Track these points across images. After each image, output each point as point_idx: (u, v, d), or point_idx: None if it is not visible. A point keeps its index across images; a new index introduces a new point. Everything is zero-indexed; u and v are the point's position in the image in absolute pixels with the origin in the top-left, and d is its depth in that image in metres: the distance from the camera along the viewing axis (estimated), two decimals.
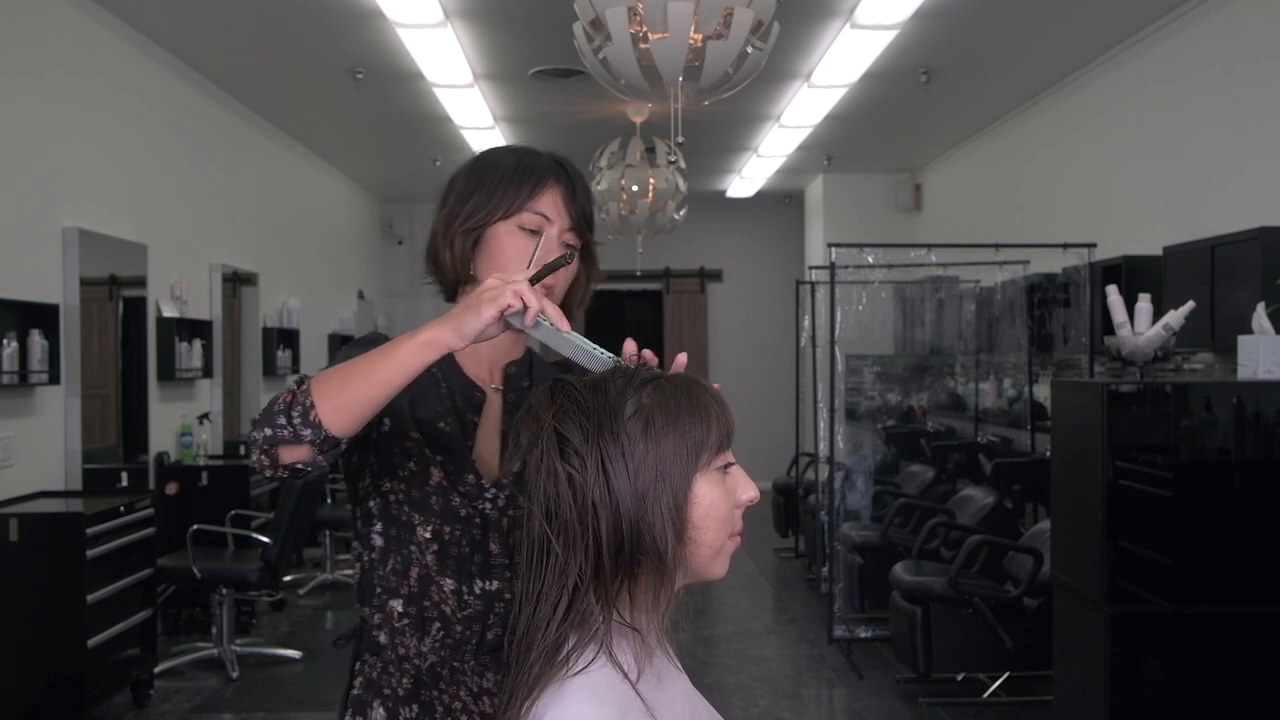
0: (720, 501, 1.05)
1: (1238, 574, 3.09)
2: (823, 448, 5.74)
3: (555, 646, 1.01)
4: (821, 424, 5.78)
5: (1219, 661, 3.10)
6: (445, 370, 1.42)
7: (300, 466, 1.21)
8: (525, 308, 1.15)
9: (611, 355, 1.14)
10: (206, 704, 4.47)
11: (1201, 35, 4.72)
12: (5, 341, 4.04)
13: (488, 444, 1.42)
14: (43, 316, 4.28)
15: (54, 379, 4.31)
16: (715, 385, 1.11)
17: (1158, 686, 3.14)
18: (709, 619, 5.92)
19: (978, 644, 4.40)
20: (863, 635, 5.28)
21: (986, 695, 4.46)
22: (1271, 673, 3.08)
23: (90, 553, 3.86)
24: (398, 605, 1.36)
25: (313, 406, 1.17)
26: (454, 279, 1.43)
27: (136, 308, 5.22)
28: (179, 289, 5.68)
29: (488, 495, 1.38)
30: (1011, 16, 5.00)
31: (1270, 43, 4.21)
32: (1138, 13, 4.92)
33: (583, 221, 1.43)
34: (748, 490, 1.08)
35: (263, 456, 1.19)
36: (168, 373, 5.47)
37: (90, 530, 3.87)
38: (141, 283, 5.24)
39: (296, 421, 1.17)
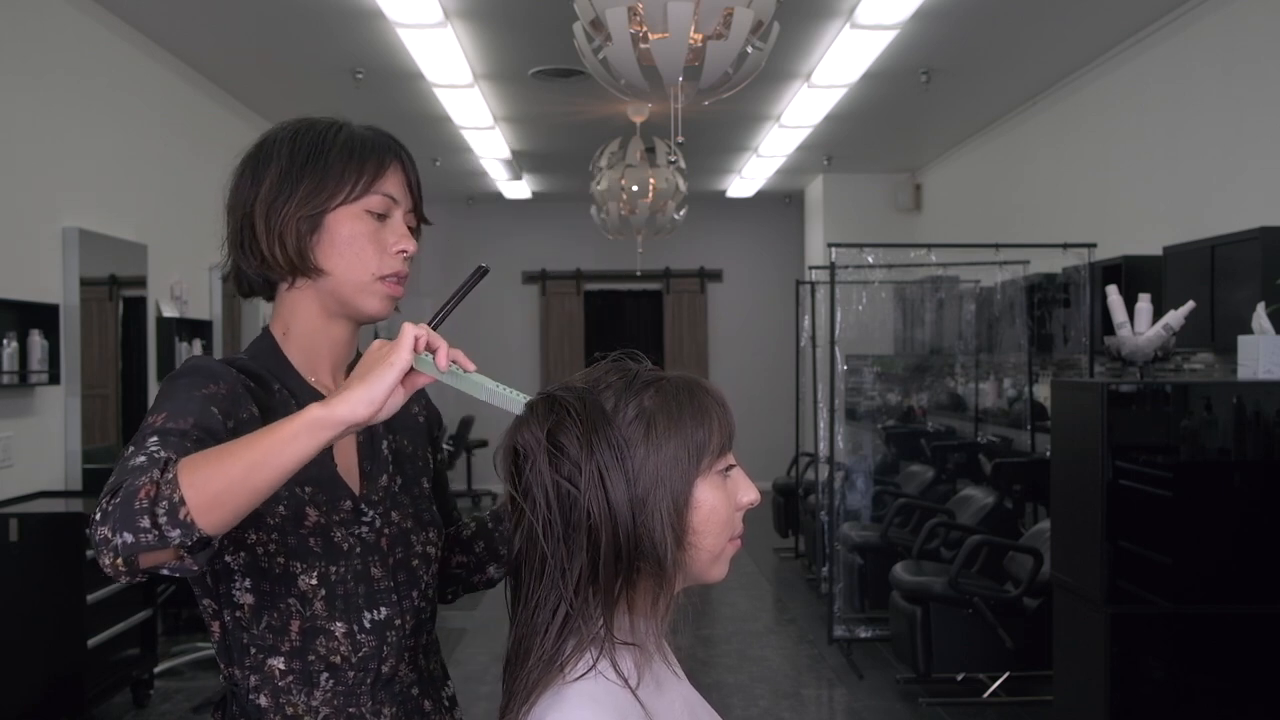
0: (721, 505, 1.05)
1: (1238, 574, 3.09)
2: (823, 448, 5.74)
3: (553, 652, 1.00)
4: (821, 424, 5.78)
5: (1219, 661, 3.10)
6: (291, 386, 1.27)
7: (164, 572, 1.01)
8: (432, 352, 1.06)
9: (523, 395, 1.08)
10: (206, 704, 4.46)
11: (1201, 35, 4.72)
12: (5, 341, 4.04)
13: (345, 458, 1.28)
14: (43, 316, 4.28)
15: (54, 379, 4.31)
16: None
17: (1158, 686, 3.14)
18: (709, 619, 5.92)
19: (978, 644, 4.40)
20: (863, 635, 5.28)
21: (986, 695, 4.46)
22: (1271, 673, 3.08)
23: (90, 553, 3.85)
24: (278, 663, 1.21)
25: (182, 502, 0.96)
26: (287, 271, 1.26)
27: (136, 308, 5.22)
28: (179, 289, 5.68)
29: (365, 519, 1.26)
30: (1011, 16, 5.00)
31: (1270, 43, 4.21)
32: (1138, 13, 4.92)
33: (419, 200, 1.33)
34: (748, 493, 1.07)
35: (119, 563, 0.98)
36: (168, 373, 5.46)
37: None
38: (141, 283, 5.24)
39: (162, 521, 0.96)
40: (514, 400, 1.07)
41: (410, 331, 1.04)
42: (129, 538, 0.96)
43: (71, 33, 4.64)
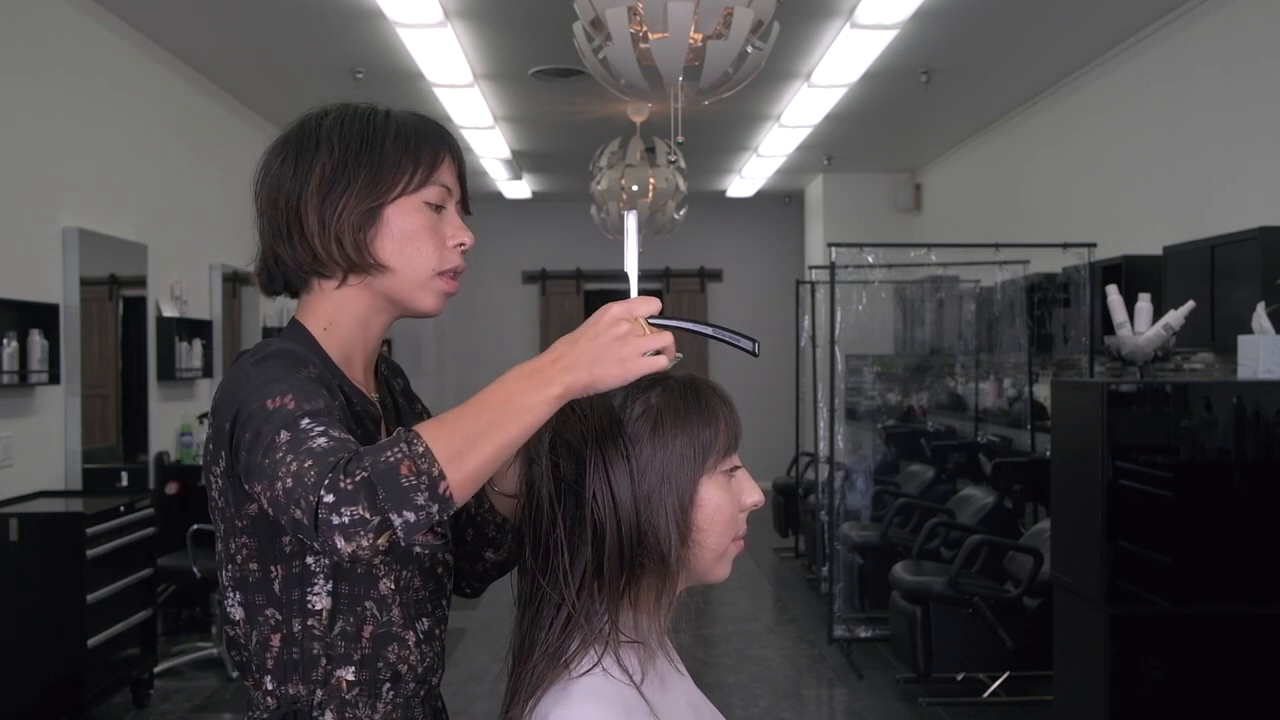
0: (725, 505, 1.05)
1: (1238, 574, 3.09)
2: (823, 448, 5.74)
3: (558, 648, 1.01)
4: (821, 424, 5.78)
5: (1219, 661, 3.10)
6: (343, 384, 1.20)
7: (417, 548, 1.02)
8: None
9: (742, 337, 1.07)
10: (206, 704, 4.46)
11: (1201, 35, 4.72)
12: (5, 341, 4.04)
13: None
14: (43, 316, 4.28)
15: (54, 379, 4.31)
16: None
17: (1158, 686, 3.14)
18: (709, 619, 5.92)
19: (978, 644, 4.40)
20: (863, 635, 5.27)
21: (986, 695, 4.46)
22: (1271, 673, 3.08)
23: (90, 553, 3.85)
24: (347, 674, 1.14)
25: (442, 476, 0.94)
26: (342, 268, 1.18)
27: (136, 308, 5.22)
28: (179, 289, 5.68)
29: None
30: (1011, 16, 5.00)
31: (1270, 43, 4.21)
32: (1138, 13, 4.92)
33: (467, 192, 1.27)
34: (753, 494, 1.08)
35: (380, 543, 0.94)
36: (168, 373, 5.47)
37: (90, 530, 3.87)
38: (141, 283, 5.24)
39: (425, 489, 0.94)
40: (747, 343, 1.06)
41: (666, 355, 1.01)
42: (410, 516, 0.93)
43: (71, 33, 4.64)
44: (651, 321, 1.01)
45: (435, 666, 1.23)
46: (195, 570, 4.65)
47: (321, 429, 1.00)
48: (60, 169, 4.55)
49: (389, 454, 0.93)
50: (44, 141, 4.42)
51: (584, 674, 0.99)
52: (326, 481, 0.93)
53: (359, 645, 1.15)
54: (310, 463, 0.95)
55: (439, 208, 1.21)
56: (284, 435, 0.99)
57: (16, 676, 3.75)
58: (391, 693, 1.17)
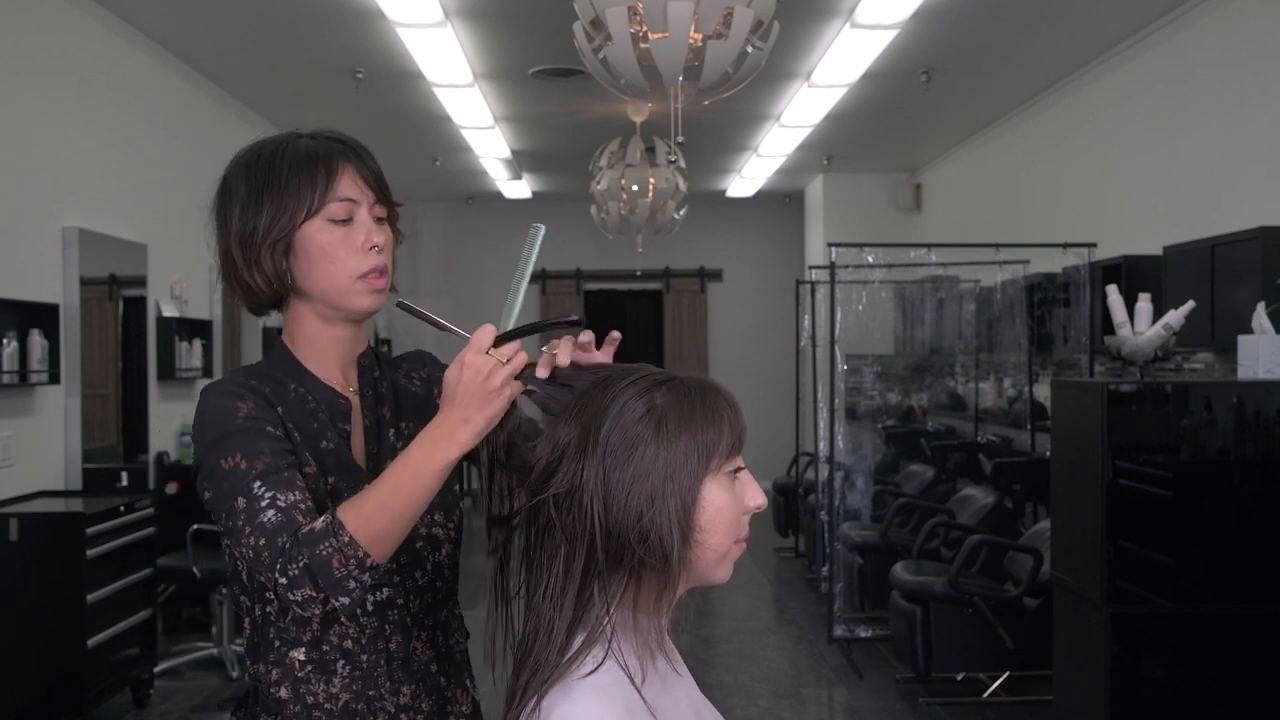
0: (728, 506, 1.05)
1: (1238, 574, 3.09)
2: (823, 447, 5.74)
3: (562, 645, 1.01)
4: (821, 424, 5.77)
5: (1219, 661, 3.10)
6: (306, 384, 1.34)
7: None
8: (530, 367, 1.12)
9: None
10: (206, 704, 4.46)
11: (1201, 35, 4.72)
12: (5, 341, 4.04)
13: (358, 448, 1.35)
14: (43, 316, 4.28)
15: (54, 379, 4.31)
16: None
17: (1158, 686, 3.14)
18: (709, 619, 5.92)
19: (978, 644, 4.40)
20: (863, 635, 5.28)
21: (986, 695, 4.46)
22: (1271, 673, 3.08)
23: (90, 553, 3.86)
24: (299, 654, 1.28)
25: (367, 556, 1.12)
26: (272, 296, 1.33)
27: (136, 307, 5.22)
28: (179, 289, 5.68)
29: None
30: (1011, 16, 5.00)
31: (1270, 43, 4.21)
32: (1138, 13, 4.92)
33: (383, 189, 1.33)
34: (755, 497, 1.08)
35: (327, 609, 1.17)
36: (168, 372, 5.47)
37: (90, 530, 3.87)
38: (141, 282, 5.24)
39: (356, 575, 1.12)
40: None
41: (510, 382, 1.10)
42: (346, 600, 1.13)
43: (71, 33, 4.64)
44: (496, 343, 1.11)
45: (389, 633, 1.31)
46: (195, 570, 4.65)
47: (270, 495, 1.16)
48: (60, 169, 4.55)
49: (322, 547, 1.11)
50: (44, 141, 4.42)
51: (588, 674, 1.00)
52: (278, 566, 1.12)
53: (309, 628, 1.28)
54: (263, 542, 1.14)
55: (346, 220, 1.29)
56: (240, 502, 1.17)
57: (16, 676, 3.75)
58: (347, 668, 1.29)
